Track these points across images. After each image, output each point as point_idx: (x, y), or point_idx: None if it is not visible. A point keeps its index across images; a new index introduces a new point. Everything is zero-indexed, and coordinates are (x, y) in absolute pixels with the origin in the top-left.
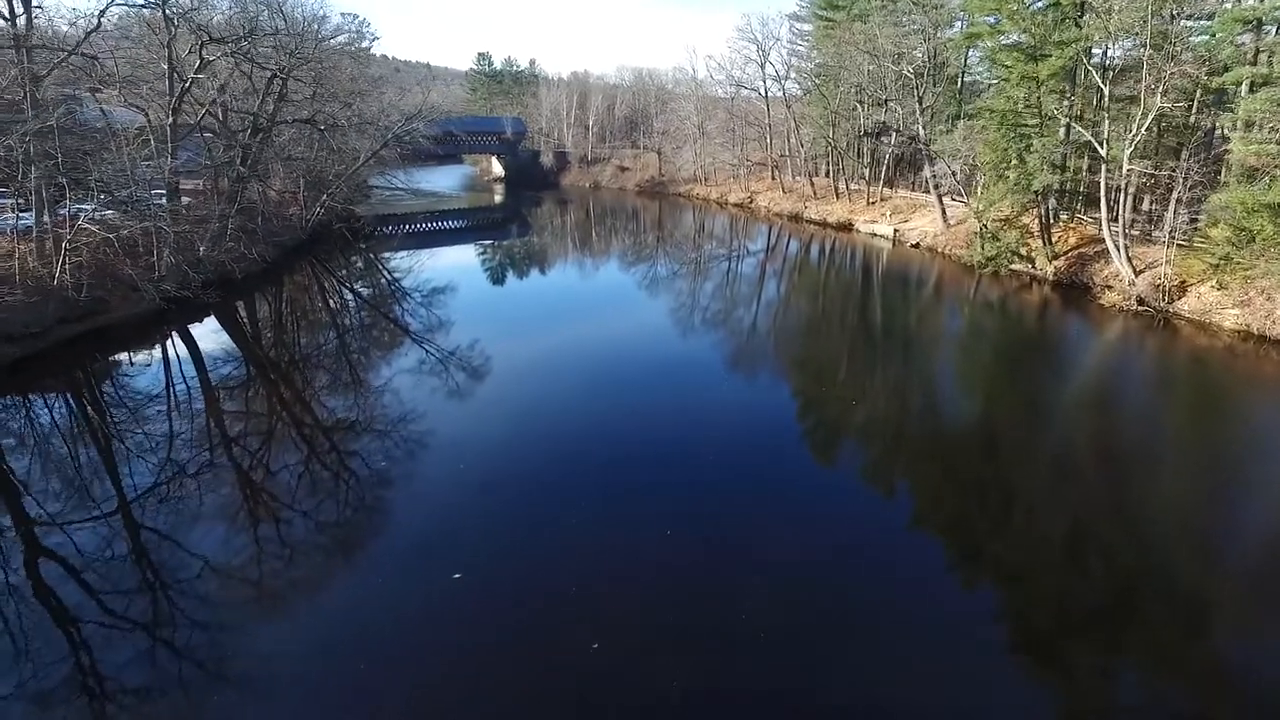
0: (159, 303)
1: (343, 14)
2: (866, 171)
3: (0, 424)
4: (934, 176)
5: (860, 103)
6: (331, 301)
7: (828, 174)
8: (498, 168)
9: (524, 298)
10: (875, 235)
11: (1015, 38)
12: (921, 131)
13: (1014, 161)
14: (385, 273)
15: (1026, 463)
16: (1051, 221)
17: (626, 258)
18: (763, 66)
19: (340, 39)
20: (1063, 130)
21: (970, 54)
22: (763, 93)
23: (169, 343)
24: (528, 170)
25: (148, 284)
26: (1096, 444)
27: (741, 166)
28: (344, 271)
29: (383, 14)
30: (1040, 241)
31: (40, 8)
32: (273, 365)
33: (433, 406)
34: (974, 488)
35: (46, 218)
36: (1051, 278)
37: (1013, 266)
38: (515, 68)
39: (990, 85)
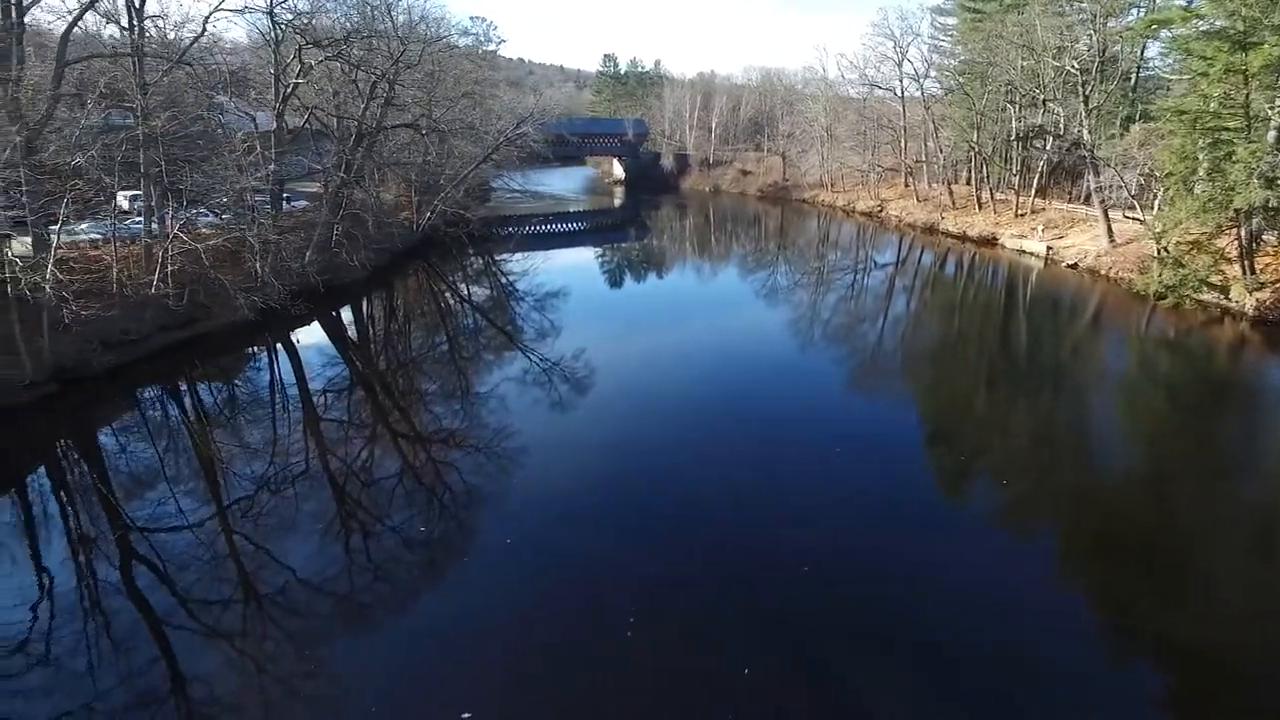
0: (257, 310)
1: (470, 17)
2: (1015, 180)
3: (97, 430)
4: (1099, 187)
5: (1012, 103)
6: (437, 307)
7: (968, 181)
8: (618, 170)
9: (635, 304)
10: (1023, 252)
11: (1217, 23)
12: (1086, 135)
13: (1207, 173)
14: (497, 276)
15: (1208, 531)
16: (1255, 245)
17: (744, 266)
18: (900, 64)
19: (465, 41)
20: (1274, 134)
21: (1149, 46)
22: (898, 93)
23: (268, 350)
24: (648, 173)
25: (243, 292)
26: None
27: (872, 172)
28: (454, 276)
29: (517, 17)
30: (1240, 268)
31: (159, 16)
32: (372, 373)
33: (532, 421)
34: (1132, 549)
35: (155, 224)
36: (1252, 313)
37: (1199, 296)
38: (640, 69)
39: (1174, 81)
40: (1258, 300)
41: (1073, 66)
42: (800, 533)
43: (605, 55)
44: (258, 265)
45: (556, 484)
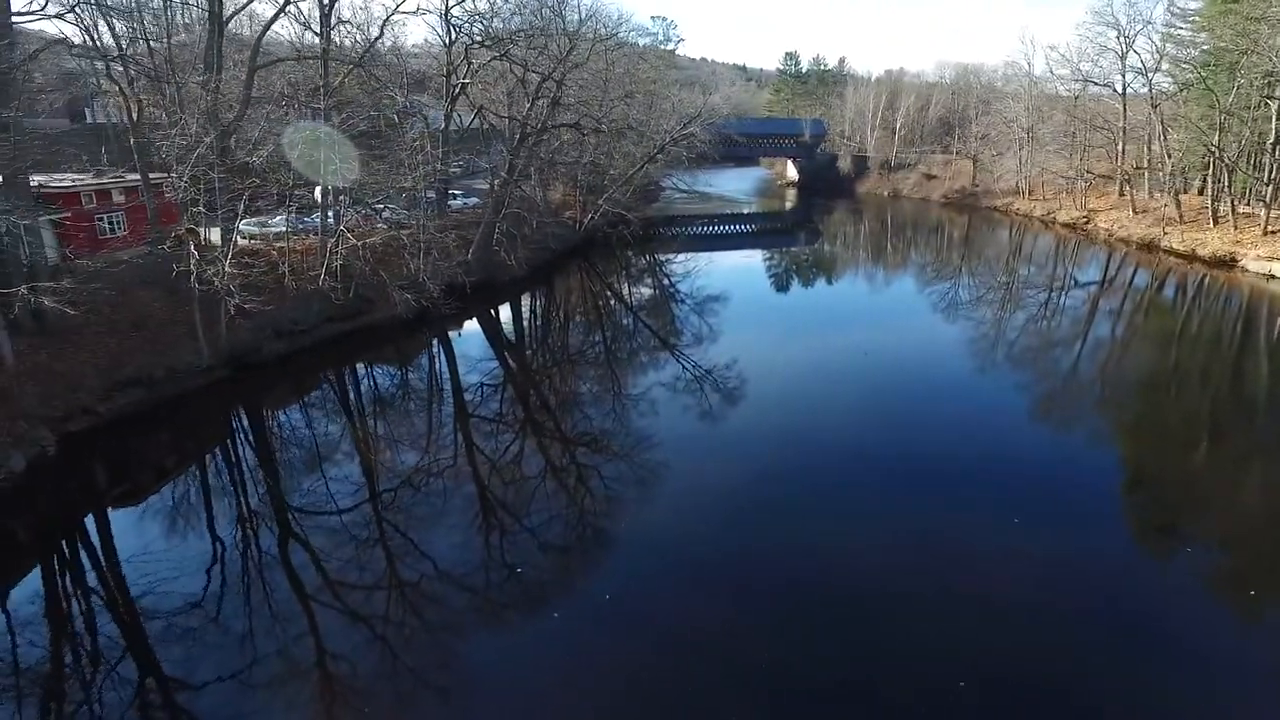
0: (410, 307)
1: (651, 17)
2: (1266, 191)
3: (265, 412)
4: None
5: (1270, 98)
6: (595, 306)
7: (1201, 192)
8: (792, 172)
9: (797, 313)
10: (1273, 277)
11: None
12: None
13: None
14: (659, 277)
15: None
16: None
17: (921, 278)
18: (1123, 57)
19: (644, 41)
20: None
21: None
22: (1120, 89)
23: (426, 344)
24: (823, 175)
25: (399, 289)
26: None
27: (1079, 179)
28: (615, 276)
29: (701, 17)
30: None
31: (347, 22)
32: (524, 371)
33: (678, 431)
34: None
35: (332, 219)
36: None
37: None
38: (822, 67)
39: None
40: None
41: None
42: (964, 620)
43: (786, 53)
44: (416, 263)
45: (694, 507)
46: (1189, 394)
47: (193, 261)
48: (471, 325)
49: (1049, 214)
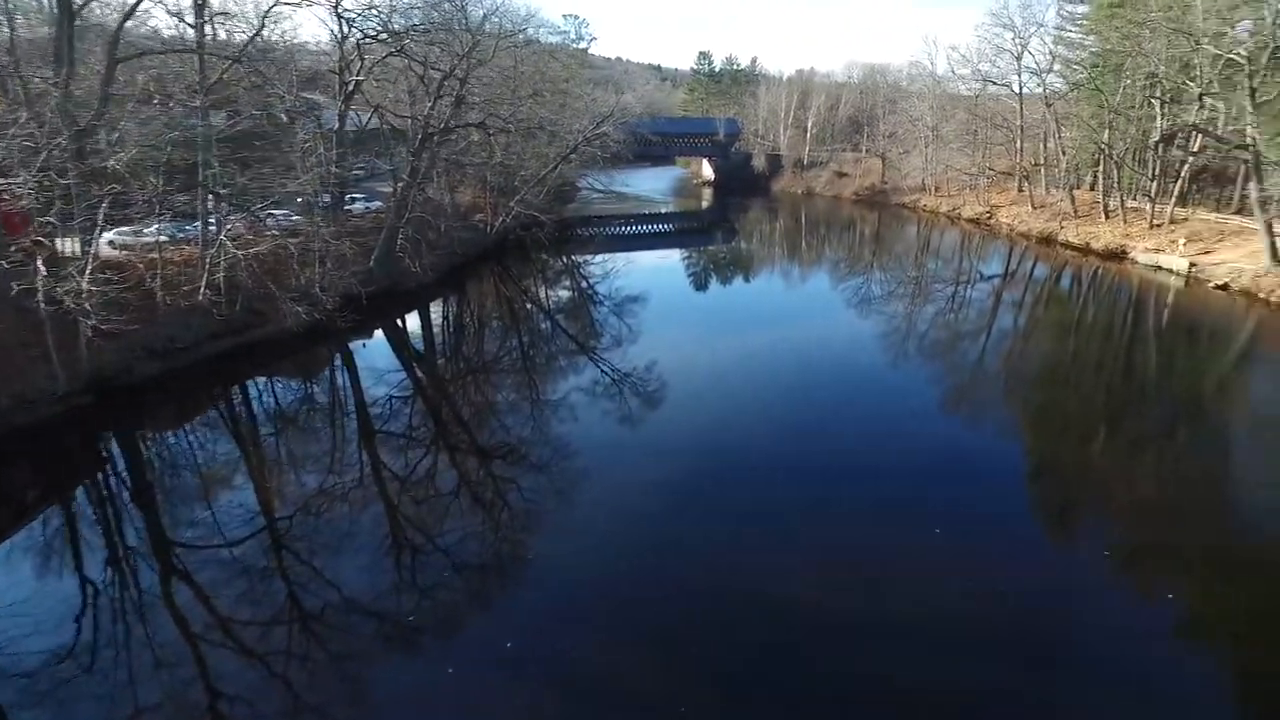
0: (300, 320)
1: (564, 15)
2: (1151, 186)
3: (139, 440)
4: (1263, 196)
5: (1153, 99)
6: (510, 312)
7: (1093, 187)
8: (708, 170)
9: (716, 311)
10: (1159, 269)
11: None
12: (1251, 134)
13: None
14: (576, 279)
15: None
16: None
17: (836, 274)
18: (1019, 58)
19: (554, 40)
20: None
21: None
22: (1016, 89)
23: (326, 358)
24: (738, 174)
25: (292, 300)
26: None
27: (981, 176)
28: (530, 279)
29: (614, 16)
30: None
31: (224, 14)
32: (434, 382)
33: (598, 437)
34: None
35: (213, 227)
36: None
37: None
38: (735, 66)
39: None
40: None
41: (1239, 55)
42: (895, 596)
43: (700, 53)
44: (312, 271)
45: (616, 514)
46: (1086, 382)
47: (39, 278)
48: (378, 336)
49: (954, 210)
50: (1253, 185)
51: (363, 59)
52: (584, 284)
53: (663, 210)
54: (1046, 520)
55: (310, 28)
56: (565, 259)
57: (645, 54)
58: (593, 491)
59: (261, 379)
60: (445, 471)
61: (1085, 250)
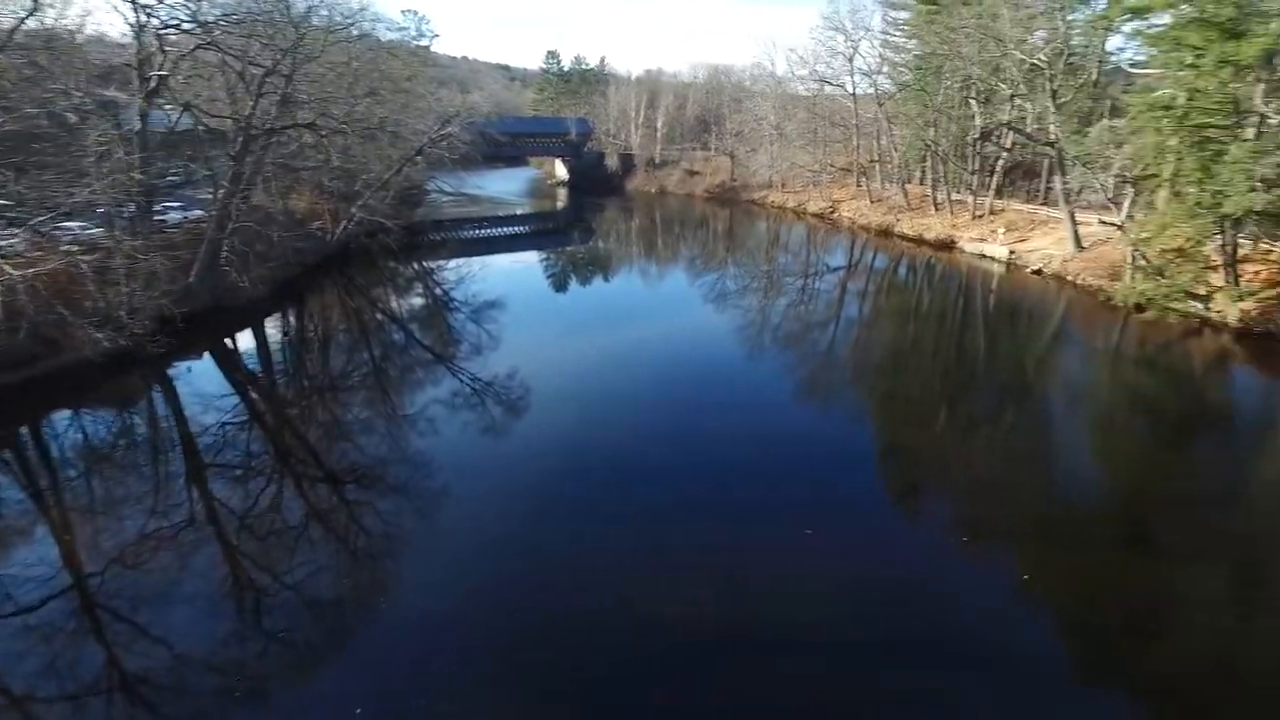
0: (115, 345)
1: (403, 11)
2: (973, 180)
3: None
4: (1066, 189)
5: (969, 99)
6: (356, 325)
7: (922, 181)
8: (562, 171)
9: (576, 312)
10: (984, 256)
11: (1195, 10)
12: (1054, 132)
13: (1194, 174)
14: (429, 286)
15: (1176, 565)
16: (1239, 250)
17: (692, 270)
18: (851, 59)
19: (392, 36)
20: (1252, 132)
21: (1112, 38)
22: (850, 89)
23: (139, 388)
24: (592, 173)
25: (93, 324)
26: None
27: (824, 172)
28: (379, 288)
29: (460, 14)
30: (1224, 276)
31: None
32: (272, 407)
33: (460, 450)
34: (1100, 578)
35: None
36: (1235, 324)
37: (1178, 307)
38: (583, 66)
39: (1148, 76)
40: (1242, 311)
41: (1040, 60)
42: (763, 562)
43: (548, 52)
44: (116, 292)
45: (481, 530)
46: (925, 366)
47: None
48: (206, 359)
49: (800, 205)
50: (1057, 179)
51: (164, 51)
52: (438, 291)
53: (518, 212)
54: (904, 506)
55: (105, 14)
56: (416, 265)
57: (493, 53)
58: (456, 508)
59: (63, 415)
60: (291, 502)
61: (919, 241)
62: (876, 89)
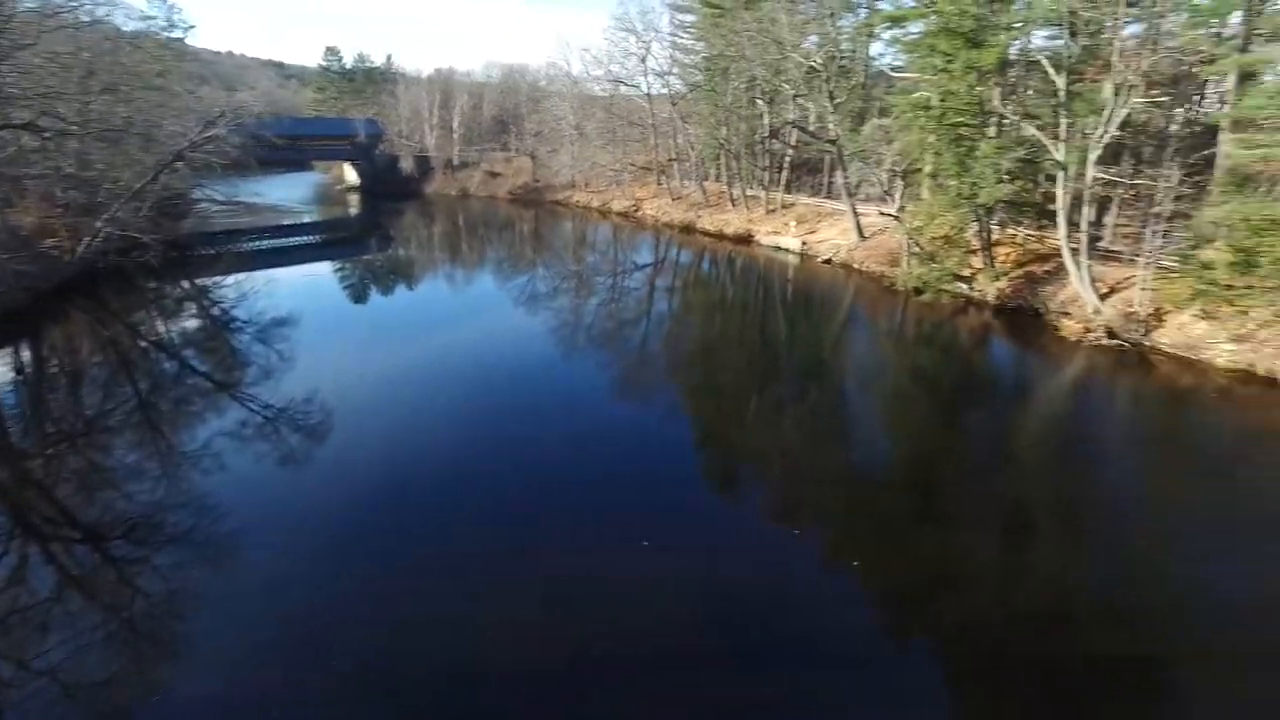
0: None
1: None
2: (764, 176)
3: None
4: (847, 183)
5: (755, 99)
6: (114, 356)
7: (718, 178)
8: (352, 175)
9: (380, 324)
10: (779, 249)
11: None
12: (834, 130)
13: (954, 168)
14: (206, 306)
15: (961, 516)
16: (992, 235)
17: (500, 273)
18: (644, 60)
19: (137, 25)
20: (1014, 131)
21: (880, 43)
22: (645, 89)
23: None
24: (386, 177)
25: None
26: (1055, 503)
27: (625, 171)
28: (140, 313)
29: (227, 6)
30: (981, 259)
31: None
32: (6, 460)
33: (254, 487)
34: (898, 536)
35: None
36: (994, 301)
37: (949, 288)
38: (368, 64)
39: (907, 79)
40: (998, 289)
41: (817, 61)
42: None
43: (327, 48)
44: None
45: (285, 571)
46: (733, 353)
47: None
48: None
49: (605, 205)
50: (839, 174)
51: None
52: (216, 311)
53: (306, 220)
54: (725, 497)
55: None
56: (187, 284)
57: (265, 49)
58: (253, 552)
59: None
60: (40, 570)
61: (720, 236)
62: (670, 89)
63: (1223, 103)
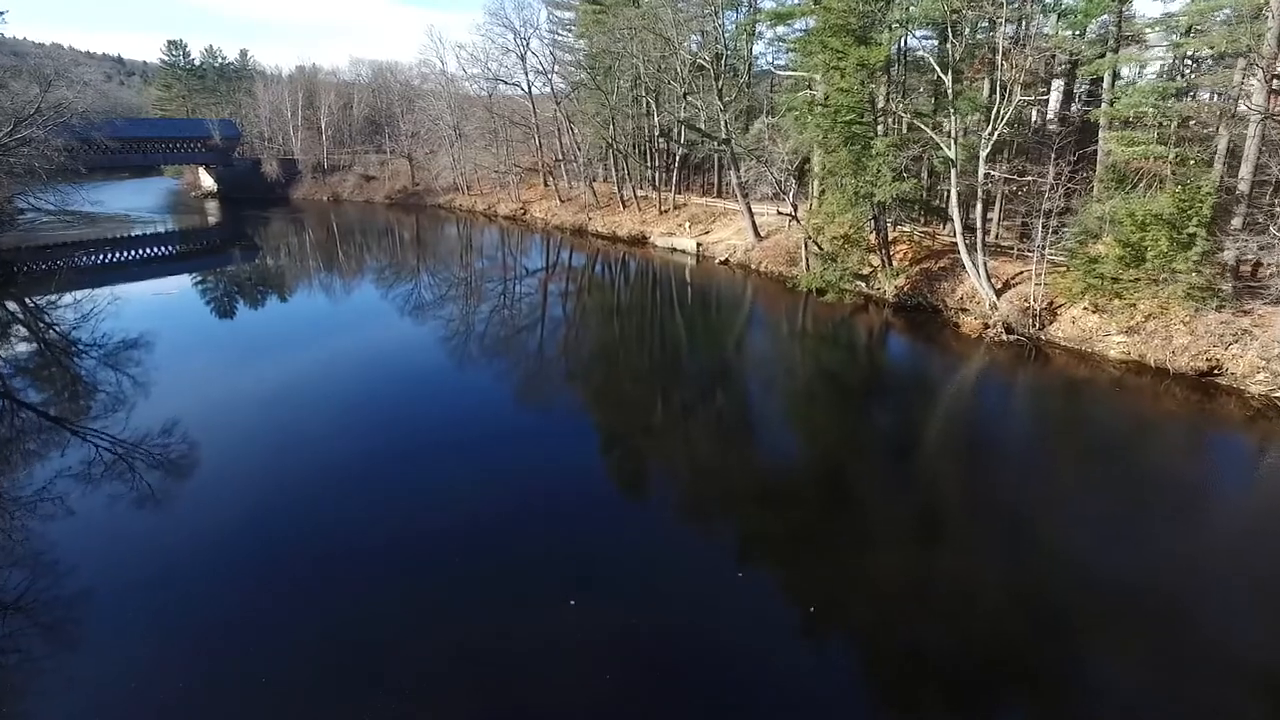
0: None
1: None
2: (655, 176)
3: None
4: (741, 183)
5: (638, 97)
6: None
7: (607, 179)
8: (208, 180)
9: (250, 342)
10: (675, 250)
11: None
12: (724, 130)
13: (852, 167)
14: (37, 330)
15: (871, 514)
16: (888, 234)
17: (383, 282)
18: (523, 58)
19: None
20: (904, 129)
21: (761, 42)
22: (526, 88)
23: None
24: (247, 182)
25: None
26: (962, 496)
27: (510, 173)
28: None
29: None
30: (879, 257)
31: None
32: None
33: (103, 536)
34: (805, 533)
35: None
36: (893, 299)
37: (845, 286)
38: (221, 60)
39: (797, 77)
40: (896, 287)
41: (705, 59)
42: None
43: (170, 42)
44: None
45: (142, 632)
46: (632, 358)
47: None
48: None
49: (490, 208)
50: (732, 173)
51: None
52: (51, 334)
53: (156, 230)
54: (638, 503)
55: None
56: (11, 306)
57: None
58: (102, 615)
59: None
60: None
61: (613, 239)
62: (553, 88)
63: (1097, 101)
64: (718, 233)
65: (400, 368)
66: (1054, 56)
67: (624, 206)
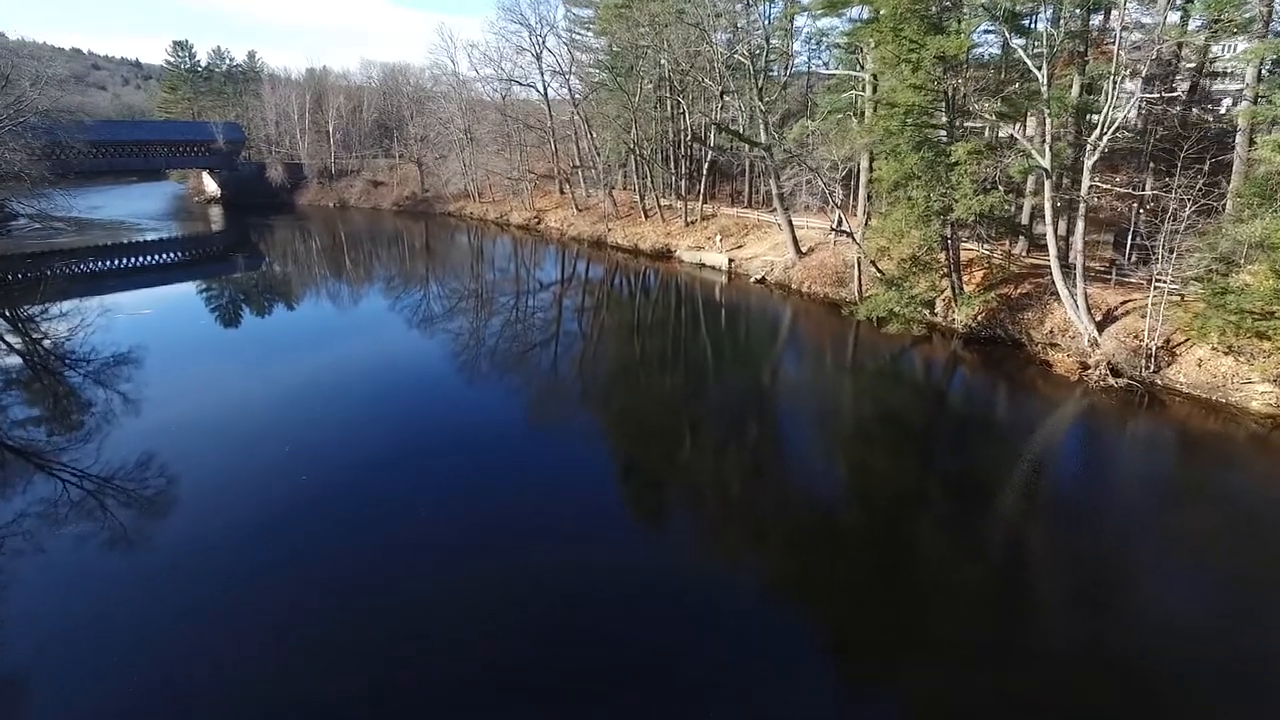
0: None
1: None
2: (681, 184)
3: None
4: (781, 192)
5: (665, 98)
6: None
7: (626, 187)
8: (212, 185)
9: (249, 356)
10: (704, 266)
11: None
12: (763, 133)
13: (926, 178)
14: (26, 342)
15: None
16: (960, 254)
17: (392, 295)
18: (539, 57)
19: None
20: (984, 134)
21: (797, 41)
22: (541, 90)
23: None
24: (252, 187)
25: None
26: (1045, 570)
27: (524, 180)
28: None
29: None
30: (948, 281)
31: None
32: None
33: (71, 581)
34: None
35: None
36: (963, 330)
37: (914, 316)
38: (229, 62)
39: (826, 77)
40: (967, 315)
41: (743, 54)
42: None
43: (176, 43)
44: None
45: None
46: (659, 386)
47: None
48: None
49: (502, 216)
50: (772, 182)
51: None
52: (43, 346)
53: (158, 238)
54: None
55: None
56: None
57: (118, 47)
58: (72, 668)
59: None
60: None
61: (635, 251)
62: (571, 89)
63: (1239, 100)
64: (752, 247)
65: (409, 385)
66: (1181, 46)
67: (646, 217)
